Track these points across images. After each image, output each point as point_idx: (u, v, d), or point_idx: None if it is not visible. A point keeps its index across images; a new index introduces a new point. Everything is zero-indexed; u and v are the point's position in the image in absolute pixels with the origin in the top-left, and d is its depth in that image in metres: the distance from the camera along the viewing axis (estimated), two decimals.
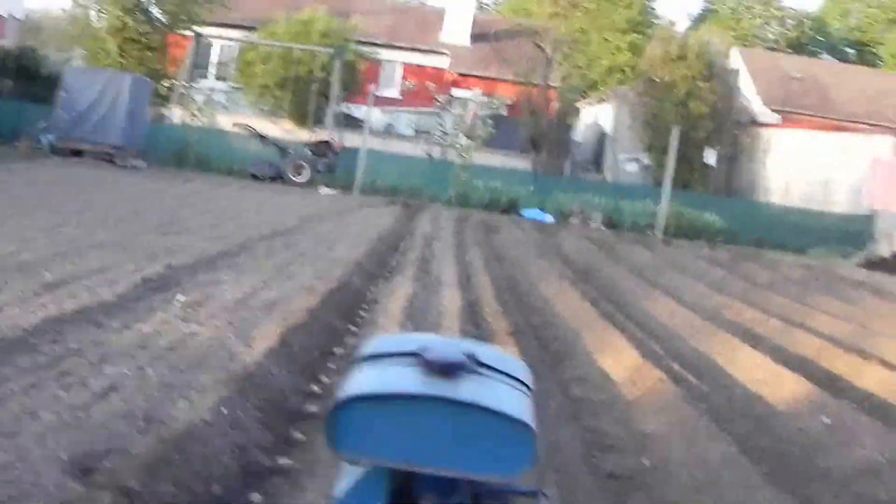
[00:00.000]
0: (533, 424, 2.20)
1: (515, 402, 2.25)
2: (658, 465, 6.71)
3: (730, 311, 14.73)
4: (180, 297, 9.18)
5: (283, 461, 5.73)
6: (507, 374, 2.38)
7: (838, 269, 25.80)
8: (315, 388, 7.43)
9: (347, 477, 2.39)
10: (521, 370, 2.52)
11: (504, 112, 40.62)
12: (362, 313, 10.62)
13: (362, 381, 2.28)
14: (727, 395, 9.28)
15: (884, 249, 29.65)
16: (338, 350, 8.72)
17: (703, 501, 5.97)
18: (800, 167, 37.27)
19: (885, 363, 11.11)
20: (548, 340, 11.07)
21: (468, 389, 2.20)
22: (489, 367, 2.34)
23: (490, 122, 34.64)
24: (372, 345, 2.55)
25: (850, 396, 9.49)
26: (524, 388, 2.41)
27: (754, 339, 12.17)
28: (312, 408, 6.89)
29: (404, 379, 2.22)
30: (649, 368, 8.97)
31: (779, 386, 9.37)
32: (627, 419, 7.86)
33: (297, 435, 6.31)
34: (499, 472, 2.17)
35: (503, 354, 2.65)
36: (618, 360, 9.61)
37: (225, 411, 5.77)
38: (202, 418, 5.50)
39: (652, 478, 6.54)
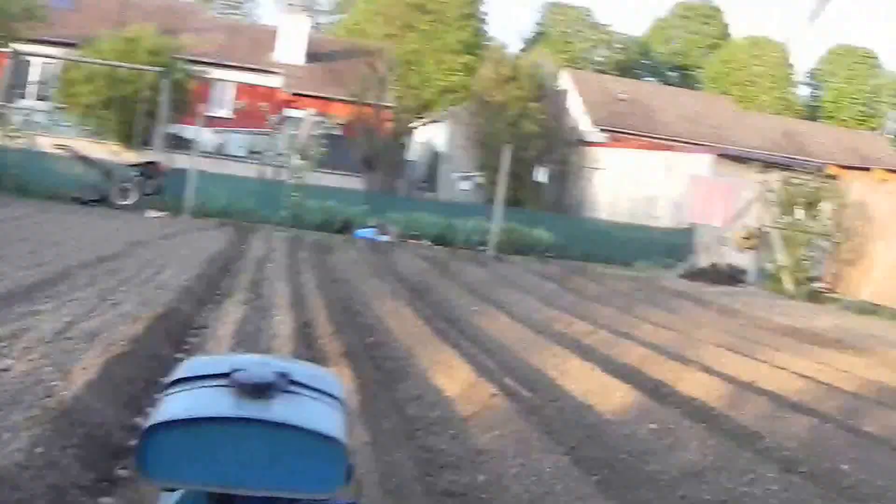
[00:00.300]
0: (345, 440, 2.16)
1: (327, 419, 2.21)
2: (493, 480, 6.72)
3: (560, 323, 15.05)
4: None
5: (105, 501, 5.40)
6: (320, 391, 2.32)
7: (662, 281, 26.80)
8: (140, 420, 7.07)
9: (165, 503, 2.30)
10: (334, 385, 2.44)
11: (338, 132, 40.40)
12: (191, 339, 10.24)
13: (171, 405, 2.20)
14: (559, 406, 9.43)
15: (703, 261, 31.02)
16: (164, 379, 8.34)
17: None
18: (626, 184, 38.62)
19: (705, 368, 11.58)
20: (382, 360, 10.98)
21: (279, 409, 2.14)
22: (301, 385, 2.28)
23: (324, 141, 34.31)
24: (182, 368, 2.43)
25: (673, 402, 9.83)
26: (336, 403, 2.35)
27: (583, 351, 12.45)
28: (136, 442, 6.56)
29: (214, 401, 2.15)
30: (483, 384, 9.01)
31: (607, 395, 9.59)
32: (462, 436, 7.85)
33: (121, 472, 5.97)
34: (314, 488, 2.13)
35: (316, 370, 2.56)
36: (452, 378, 9.61)
37: (40, 451, 5.40)
38: (14, 462, 5.11)
39: (487, 493, 6.53)
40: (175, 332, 10.20)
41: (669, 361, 11.82)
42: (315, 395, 2.29)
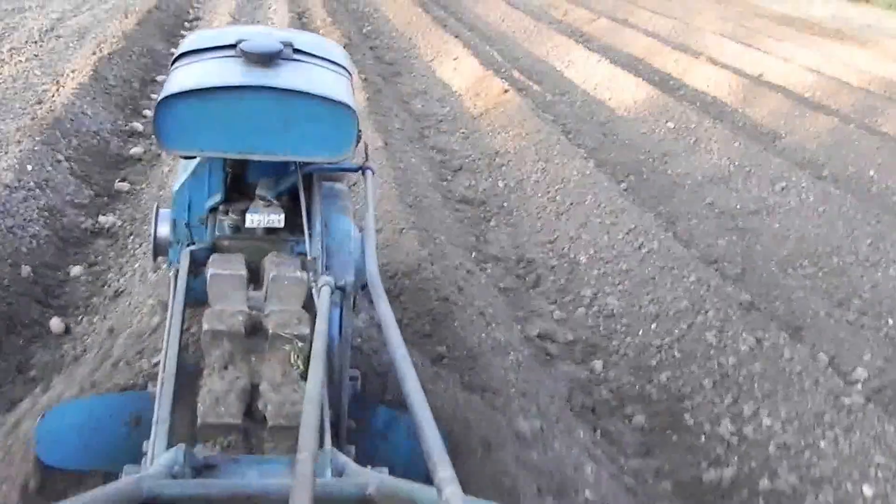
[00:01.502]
0: (353, 105, 2.16)
1: (335, 85, 2.22)
2: (513, 188, 6.20)
3: (558, 10, 14.05)
4: None
5: (106, 219, 4.85)
6: (325, 59, 2.33)
7: None
8: (137, 125, 6.38)
9: (184, 172, 2.37)
10: (339, 53, 2.48)
11: None
12: (184, 32, 9.30)
13: (183, 77, 2.18)
14: (570, 101, 8.78)
15: None
16: (160, 77, 7.55)
17: (570, 228, 5.53)
18: None
19: (711, 60, 10.82)
20: (382, 51, 10.13)
21: (287, 76, 2.15)
22: (306, 53, 2.29)
23: None
24: (189, 41, 2.45)
25: (685, 97, 9.18)
26: (343, 71, 2.37)
27: (586, 40, 11.62)
28: (136, 149, 5.91)
29: (224, 71, 2.15)
30: (491, 78, 8.28)
31: (618, 90, 8.92)
32: (476, 136, 7.24)
33: (120, 185, 5.38)
34: (325, 152, 2.16)
35: (319, 40, 2.58)
36: (458, 71, 8.86)
37: (31, 167, 4.77)
38: (3, 183, 4.50)
39: (508, 202, 6.02)
40: (168, 25, 9.26)
41: (674, 52, 11.01)
42: (321, 62, 2.31)
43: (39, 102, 5.94)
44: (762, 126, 8.26)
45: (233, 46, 2.20)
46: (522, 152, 6.63)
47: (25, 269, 4.04)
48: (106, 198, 5.14)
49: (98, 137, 5.72)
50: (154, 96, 7.08)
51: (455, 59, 9.09)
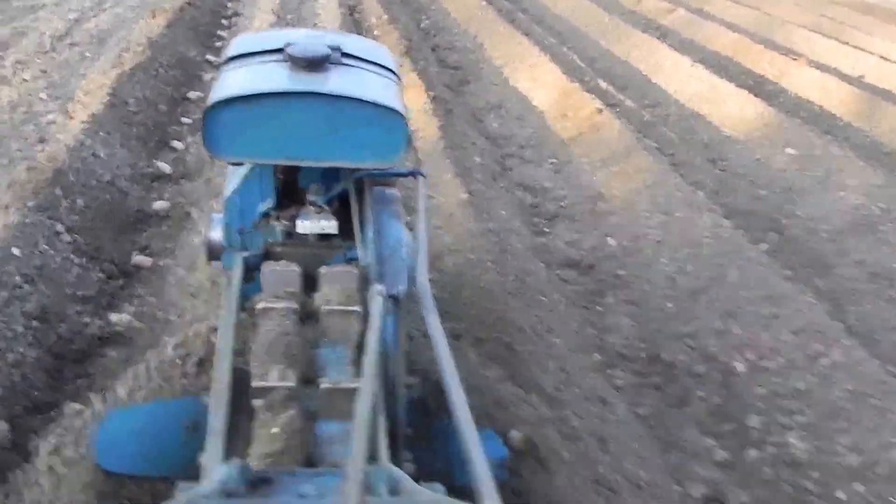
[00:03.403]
0: (402, 110, 2.06)
1: (384, 90, 2.13)
2: (629, 250, 4.80)
3: (629, 0, 12.48)
4: None
5: (120, 318, 3.53)
6: (374, 63, 2.25)
7: None
8: (163, 165, 5.04)
9: (235, 177, 2.30)
10: (387, 57, 2.38)
11: None
12: (222, 33, 7.93)
13: (231, 82, 2.09)
14: (664, 115, 7.33)
15: None
16: (193, 94, 6.20)
17: (714, 317, 4.14)
18: None
19: (808, 61, 9.29)
20: (445, 52, 8.70)
21: (336, 81, 2.07)
22: (354, 57, 2.20)
23: None
24: (235, 44, 2.33)
25: (788, 106, 7.69)
26: (391, 76, 2.28)
27: (667, 36, 10.11)
28: (160, 203, 4.57)
29: (272, 76, 2.06)
30: (578, 93, 6.86)
31: (717, 101, 7.47)
32: (569, 170, 5.84)
33: (140, 259, 4.04)
34: (375, 158, 2.07)
35: (367, 43, 2.46)
36: (536, 80, 7.44)
37: (18, 252, 3.45)
38: None
39: (626, 270, 4.64)
40: (203, 25, 7.85)
41: (766, 51, 9.46)
42: (369, 66, 2.22)
43: (41, 141, 4.63)
44: (886, 146, 6.79)
45: (280, 50, 2.13)
46: (632, 197, 5.23)
47: (1, 426, 2.75)
48: (120, 280, 3.83)
49: (112, 189, 4.40)
50: (185, 119, 5.77)
51: (532, 65, 7.65)
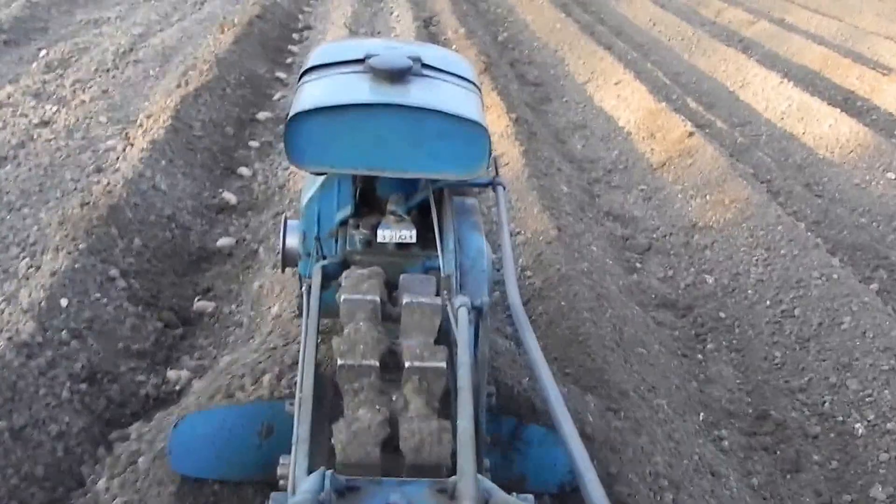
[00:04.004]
0: (484, 122, 2.05)
1: (465, 102, 2.12)
2: (729, 289, 4.47)
3: (709, 9, 12.04)
4: (44, 53, 6.23)
5: (178, 375, 3.28)
6: (454, 74, 2.24)
7: None
8: (229, 195, 4.77)
9: (312, 185, 2.29)
10: (467, 69, 2.37)
11: None
12: (293, 48, 7.76)
13: (312, 93, 2.10)
14: (754, 134, 6.95)
15: None
16: (262, 114, 5.98)
17: (828, 369, 3.79)
18: None
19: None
20: (524, 66, 8.42)
21: (417, 93, 2.06)
22: (435, 69, 2.20)
23: None
24: (316, 55, 2.35)
25: (882, 125, 7.23)
26: (472, 87, 2.27)
27: (752, 50, 9.67)
28: (224, 240, 4.32)
29: (353, 88, 2.07)
30: (667, 114, 6.51)
31: (810, 121, 7.04)
32: (660, 198, 5.52)
33: (202, 304, 3.78)
34: (456, 170, 2.05)
35: (447, 54, 2.46)
36: (621, 98, 7.11)
37: (65, 303, 3.22)
38: (14, 341, 2.89)
39: (726, 312, 4.30)
40: (273, 39, 7.66)
41: (853, 65, 8.91)
42: (449, 78, 2.21)
43: (98, 171, 4.43)
44: None
45: (361, 61, 2.11)
46: (730, 230, 4.90)
47: None
48: (180, 329, 3.57)
49: (173, 224, 4.15)
50: (253, 143, 5.56)
51: (617, 83, 7.33)
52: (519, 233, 4.44)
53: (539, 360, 1.57)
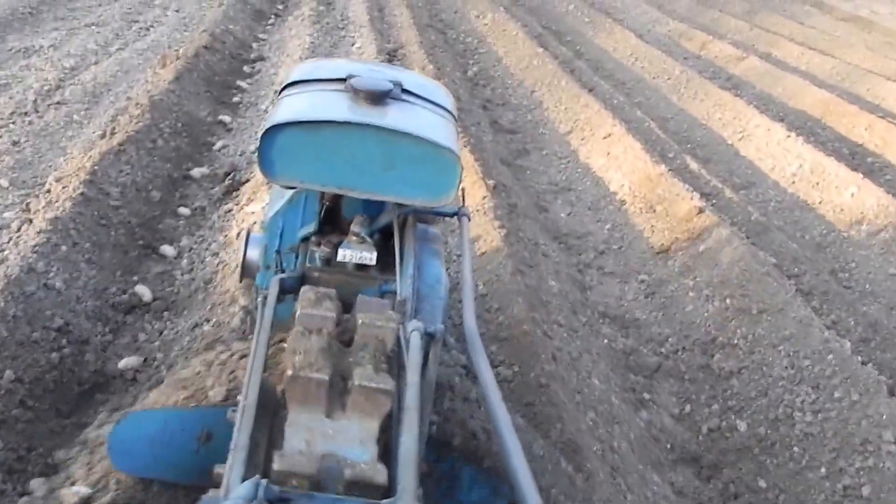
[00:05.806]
0: (457, 150, 2.02)
1: (441, 129, 2.08)
2: (767, 442, 3.37)
3: (690, 42, 11.02)
4: None
5: None
6: (431, 101, 2.20)
7: None
8: (141, 289, 3.62)
9: (278, 200, 2.29)
10: (444, 97, 2.32)
11: None
12: (242, 83, 6.53)
13: (291, 107, 2.05)
14: (763, 199, 5.88)
15: None
16: (198, 171, 4.74)
17: None
18: None
19: None
20: (498, 109, 7.28)
21: (395, 116, 2.03)
22: (413, 94, 2.16)
23: None
24: (298, 70, 2.31)
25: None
26: (448, 115, 2.23)
27: (744, 91, 8.64)
28: (126, 361, 3.17)
29: (332, 106, 2.03)
30: (668, 180, 5.41)
31: (826, 186, 6.02)
32: (669, 297, 4.40)
33: (97, 431, 2.67)
34: (426, 196, 2.01)
35: (426, 81, 2.41)
36: (612, 157, 6.00)
37: None
38: None
39: (772, 491, 3.20)
40: (220, 73, 6.41)
41: (860, 112, 7.91)
42: (427, 105, 2.17)
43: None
44: None
45: (342, 80, 2.08)
46: (762, 352, 3.79)
47: None
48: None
49: (64, 340, 3.05)
50: (183, 209, 4.36)
51: (605, 137, 6.21)
52: (506, 364, 3.29)
53: (489, 382, 1.52)
